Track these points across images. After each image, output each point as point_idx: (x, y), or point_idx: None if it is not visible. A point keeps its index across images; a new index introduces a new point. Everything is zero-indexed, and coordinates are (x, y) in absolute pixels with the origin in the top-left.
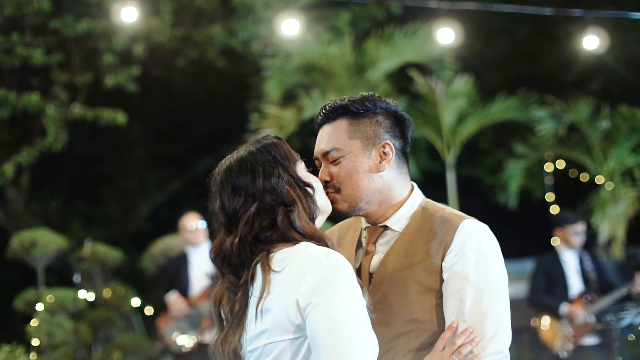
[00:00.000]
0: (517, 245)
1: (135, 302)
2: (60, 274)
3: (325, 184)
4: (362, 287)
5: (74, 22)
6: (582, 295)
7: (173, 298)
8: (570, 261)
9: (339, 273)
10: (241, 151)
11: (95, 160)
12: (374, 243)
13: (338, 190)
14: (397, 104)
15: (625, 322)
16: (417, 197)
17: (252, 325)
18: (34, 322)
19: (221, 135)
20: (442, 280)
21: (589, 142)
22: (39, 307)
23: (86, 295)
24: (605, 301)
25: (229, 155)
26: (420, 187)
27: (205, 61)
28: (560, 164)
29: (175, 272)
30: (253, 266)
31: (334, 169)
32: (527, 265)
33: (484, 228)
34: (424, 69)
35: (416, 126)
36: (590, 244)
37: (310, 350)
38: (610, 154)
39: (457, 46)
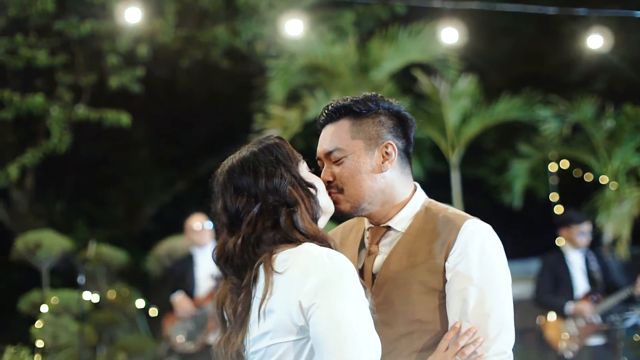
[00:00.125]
0: (522, 245)
1: (140, 303)
2: (65, 276)
3: (328, 184)
4: (364, 287)
5: (78, 23)
6: (587, 295)
7: (179, 299)
8: (576, 261)
9: (342, 274)
10: (243, 152)
11: (99, 162)
12: (377, 244)
13: (341, 191)
14: (400, 104)
15: (630, 323)
16: (420, 198)
17: (255, 327)
18: (38, 324)
19: (225, 135)
20: (445, 281)
21: (593, 142)
22: (44, 308)
23: (91, 296)
24: (610, 301)
25: (231, 156)
26: (424, 187)
27: (209, 62)
28: (565, 164)
29: (181, 273)
30: (256, 267)
31: (336, 169)
32: (532, 265)
33: (487, 228)
34: (428, 69)
35: (420, 126)
36: (595, 244)
37: (313, 352)
38: (614, 153)
39: (461, 46)
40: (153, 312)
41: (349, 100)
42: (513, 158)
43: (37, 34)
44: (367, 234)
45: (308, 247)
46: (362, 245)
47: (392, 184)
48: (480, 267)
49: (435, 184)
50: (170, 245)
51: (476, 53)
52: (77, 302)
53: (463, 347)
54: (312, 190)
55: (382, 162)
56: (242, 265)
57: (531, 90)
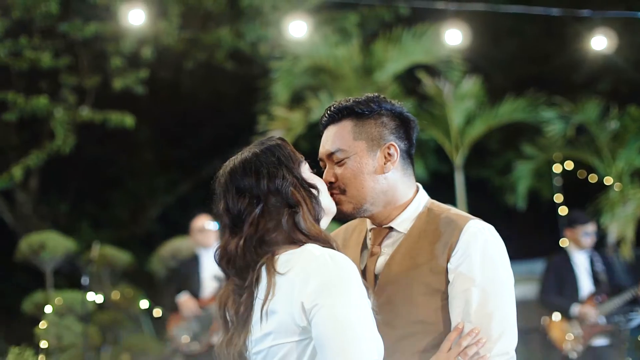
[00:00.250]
0: (526, 246)
1: (144, 304)
2: (69, 277)
3: (330, 185)
4: (367, 288)
5: (82, 25)
6: (592, 296)
7: (184, 299)
8: (581, 262)
9: (345, 275)
10: (245, 153)
11: (104, 163)
12: (379, 244)
13: (343, 192)
14: (402, 105)
15: (634, 323)
16: (422, 198)
17: (257, 327)
18: (42, 325)
19: (229, 137)
20: (447, 282)
21: (597, 143)
22: (48, 309)
23: (95, 297)
24: (615, 302)
25: (233, 157)
26: (428, 188)
27: (213, 63)
28: (569, 165)
29: (186, 274)
30: (258, 268)
31: (338, 170)
32: (536, 266)
33: (490, 229)
34: (432, 71)
35: (424, 127)
36: (599, 245)
37: (315, 352)
38: (619, 154)
39: (465, 47)
40: (157, 312)
41: (351, 101)
42: (517, 159)
43: (42, 35)
44: (370, 235)
45: (310, 248)
46: (364, 246)
47: (394, 185)
48: (483, 268)
49: (439, 185)
50: (174, 246)
51: (480, 54)
52: (81, 303)
53: (465, 347)
54: (314, 191)
55: (384, 163)
56: (244, 266)
57: (535, 92)
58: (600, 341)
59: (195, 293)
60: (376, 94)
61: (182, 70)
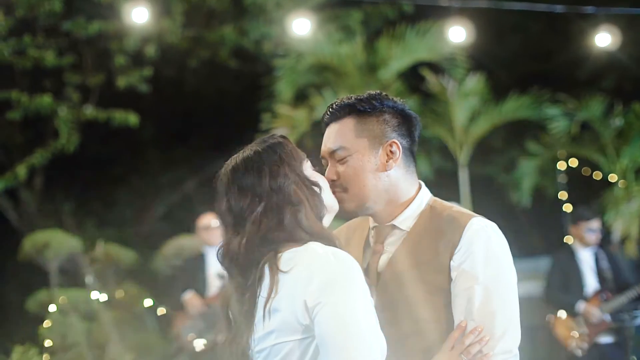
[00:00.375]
0: (530, 243)
1: (148, 302)
2: (73, 275)
3: (332, 183)
4: (370, 286)
5: (85, 24)
6: (597, 293)
7: (189, 297)
8: (586, 259)
9: (348, 273)
10: (247, 151)
11: (108, 162)
12: (382, 243)
13: (345, 190)
14: (404, 102)
15: (639, 321)
16: (425, 196)
17: (260, 326)
18: (46, 324)
19: (233, 135)
20: (450, 280)
21: (601, 140)
22: (52, 308)
23: (99, 296)
24: (620, 300)
25: (235, 155)
26: (433, 186)
27: (217, 61)
28: (573, 162)
29: (192, 272)
30: (261, 266)
31: (340, 168)
32: (541, 263)
33: (492, 226)
34: (436, 68)
35: (428, 125)
36: (604, 242)
37: (318, 351)
38: (623, 151)
39: (469, 44)
40: (161, 311)
41: (353, 98)
42: (521, 156)
43: (45, 34)
44: (372, 232)
45: (313, 246)
46: (367, 244)
47: (396, 183)
48: (486, 265)
49: (443, 183)
50: (178, 244)
51: (484, 52)
52: (86, 301)
53: (469, 345)
54: (316, 188)
55: (387, 161)
56: (247, 265)
57: (539, 89)
58: (605, 339)
59: (201, 291)
60: (378, 92)
61: (186, 68)
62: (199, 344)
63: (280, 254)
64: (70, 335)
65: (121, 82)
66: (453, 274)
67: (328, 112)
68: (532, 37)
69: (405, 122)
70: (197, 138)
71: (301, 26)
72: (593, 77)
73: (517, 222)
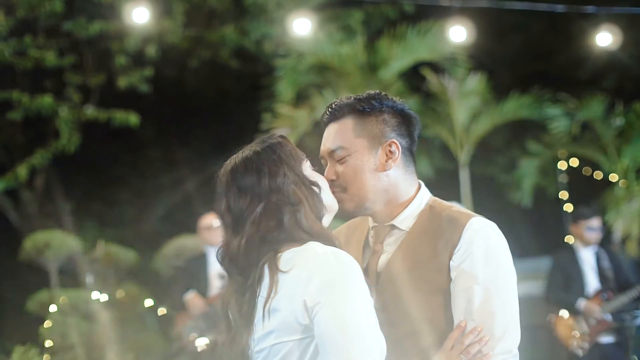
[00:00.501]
0: (531, 243)
1: (149, 302)
2: (74, 276)
3: (331, 183)
4: (369, 286)
5: (86, 24)
6: (599, 293)
7: (190, 296)
8: (587, 259)
9: (347, 272)
10: (246, 151)
11: (108, 162)
12: (381, 242)
13: (344, 190)
14: (404, 102)
15: None
16: (424, 196)
17: (260, 326)
18: (47, 324)
19: (234, 135)
20: (450, 280)
21: (602, 140)
22: (53, 308)
23: (99, 296)
24: (621, 299)
25: (234, 156)
26: (433, 185)
27: (217, 62)
28: (574, 162)
29: (194, 272)
30: (260, 266)
31: (340, 168)
32: (542, 263)
33: (492, 226)
34: (437, 68)
35: (429, 125)
36: (605, 242)
37: (317, 351)
38: (624, 151)
39: (470, 44)
40: (162, 311)
41: (352, 98)
42: (522, 156)
43: (46, 34)
44: (372, 232)
45: (313, 246)
46: (366, 244)
47: (395, 183)
48: (485, 265)
49: (444, 183)
50: (178, 244)
51: (485, 51)
52: (86, 301)
53: (468, 345)
54: (315, 188)
55: (386, 161)
56: (246, 265)
57: (540, 89)
58: (606, 338)
59: (203, 291)
60: (377, 91)
61: (186, 69)
62: (201, 342)
63: (279, 254)
64: (70, 336)
65: (122, 82)
66: (452, 274)
67: (327, 112)
68: (533, 36)
69: (404, 122)
70: (197, 138)
71: (302, 26)
72: (594, 76)
73: (518, 222)
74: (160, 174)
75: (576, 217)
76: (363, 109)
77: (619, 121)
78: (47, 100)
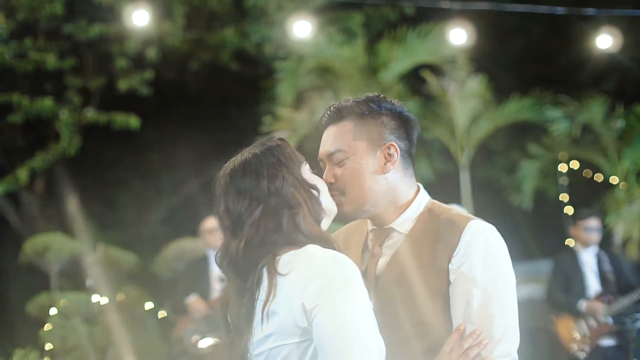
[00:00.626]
0: (532, 245)
1: (149, 305)
2: (74, 279)
3: (330, 186)
4: (368, 290)
5: (86, 27)
6: (599, 295)
7: (192, 300)
8: (588, 261)
9: (346, 275)
10: (245, 154)
11: (109, 164)
12: (380, 245)
13: (343, 193)
14: (403, 104)
15: None
16: (423, 199)
17: (259, 329)
18: (47, 327)
19: (234, 138)
20: (449, 283)
21: (603, 142)
22: (53, 311)
23: (100, 299)
24: (622, 302)
25: (233, 158)
26: (434, 188)
27: (218, 64)
28: (575, 165)
29: (195, 275)
30: (259, 269)
31: (338, 171)
32: (542, 265)
33: (491, 229)
34: (437, 70)
35: (429, 127)
36: (606, 245)
37: (316, 354)
38: (624, 154)
39: (470, 47)
40: (162, 314)
41: (351, 101)
42: (523, 159)
43: (46, 37)
44: (370, 235)
45: (312, 249)
46: (365, 247)
47: (394, 186)
48: (484, 268)
49: (444, 185)
50: (179, 247)
51: (485, 54)
52: (86, 304)
53: (467, 349)
54: (314, 191)
55: (385, 164)
56: (245, 268)
57: (540, 91)
58: (607, 341)
59: (204, 294)
60: (376, 94)
61: (187, 71)
62: (205, 343)
63: (278, 257)
64: (71, 339)
65: (122, 84)
66: (451, 277)
67: (326, 115)
68: (533, 39)
69: (403, 124)
70: (198, 141)
71: (302, 29)
72: (594, 79)
73: (518, 225)
74: (160, 177)
75: (575, 218)
76: (362, 111)
77: (619, 123)
78: (47, 102)
